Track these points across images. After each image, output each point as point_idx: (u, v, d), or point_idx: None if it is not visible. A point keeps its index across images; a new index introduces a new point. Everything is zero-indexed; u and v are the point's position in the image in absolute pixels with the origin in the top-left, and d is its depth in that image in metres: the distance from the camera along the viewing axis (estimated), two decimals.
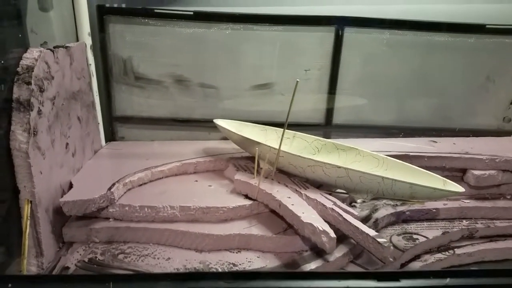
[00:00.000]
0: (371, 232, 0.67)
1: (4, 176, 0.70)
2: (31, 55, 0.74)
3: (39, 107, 0.73)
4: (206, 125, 1.13)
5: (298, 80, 0.69)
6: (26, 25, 0.88)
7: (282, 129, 1.00)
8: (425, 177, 0.82)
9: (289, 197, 0.78)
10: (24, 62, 0.73)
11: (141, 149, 1.07)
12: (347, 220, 0.70)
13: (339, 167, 0.77)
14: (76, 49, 0.91)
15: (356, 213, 0.75)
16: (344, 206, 0.76)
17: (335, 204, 0.76)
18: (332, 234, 0.66)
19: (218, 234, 0.78)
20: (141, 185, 0.91)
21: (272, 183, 0.85)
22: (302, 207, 0.75)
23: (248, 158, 1.00)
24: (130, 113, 1.11)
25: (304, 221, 0.70)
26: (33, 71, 0.72)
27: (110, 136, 1.12)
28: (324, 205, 0.75)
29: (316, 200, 0.77)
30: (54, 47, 0.83)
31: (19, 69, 0.72)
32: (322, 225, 0.68)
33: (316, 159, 0.80)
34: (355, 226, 0.68)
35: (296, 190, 0.81)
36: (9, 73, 0.71)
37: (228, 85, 1.09)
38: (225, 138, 1.06)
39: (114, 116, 1.11)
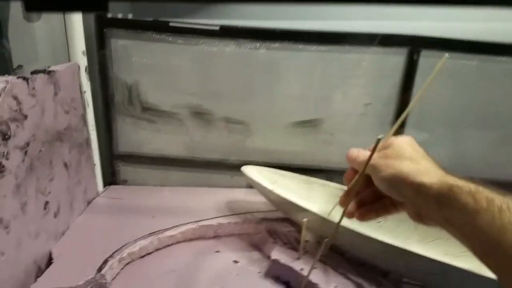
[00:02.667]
0: None
1: None
2: None
3: (0, 162, 0.52)
4: (228, 166, 0.91)
5: (380, 137, 0.46)
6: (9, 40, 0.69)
7: (331, 183, 0.78)
8: None
9: None
10: None
11: (147, 199, 0.85)
12: None
13: (432, 260, 0.54)
14: (64, 73, 0.70)
15: None
16: None
17: None
18: None
19: None
20: (143, 256, 0.70)
21: (325, 270, 0.62)
22: None
23: (286, 221, 0.77)
24: (135, 150, 0.90)
25: None
26: None
27: (111, 179, 0.91)
28: None
29: None
30: (32, 73, 0.62)
31: None
32: None
33: (395, 242, 0.57)
34: None
35: (362, 286, 0.58)
36: None
37: (261, 120, 0.87)
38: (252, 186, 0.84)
39: (116, 154, 0.90)
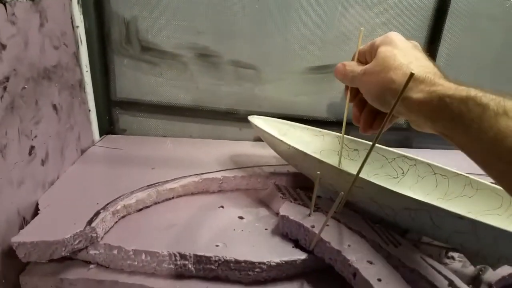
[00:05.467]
0: None
1: None
2: None
3: None
4: (236, 118, 0.84)
5: (413, 71, 0.38)
6: None
7: (345, 136, 0.71)
8: None
9: (371, 263, 0.49)
10: None
11: (147, 149, 0.79)
12: None
13: (462, 217, 0.47)
14: (53, 2, 0.63)
15: None
16: None
17: (451, 284, 0.47)
18: None
19: None
20: (140, 210, 0.64)
21: (339, 227, 0.56)
22: (396, 287, 0.45)
23: (297, 176, 0.71)
24: (135, 97, 0.83)
25: None
26: None
27: (108, 128, 0.85)
28: (433, 285, 0.46)
29: (419, 272, 0.48)
30: None
31: None
32: None
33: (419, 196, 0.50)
34: None
35: (380, 245, 0.52)
36: None
37: (273, 65, 0.79)
38: (260, 140, 0.77)
39: (114, 100, 0.83)
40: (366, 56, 0.51)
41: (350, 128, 0.75)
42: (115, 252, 0.55)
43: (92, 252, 0.55)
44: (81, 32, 0.72)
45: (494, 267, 0.52)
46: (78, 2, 0.70)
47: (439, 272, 0.48)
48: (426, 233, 0.55)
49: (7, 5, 0.51)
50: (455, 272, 0.57)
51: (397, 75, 0.42)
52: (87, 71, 0.75)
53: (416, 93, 0.40)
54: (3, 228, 0.53)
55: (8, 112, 0.52)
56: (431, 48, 0.76)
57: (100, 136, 0.83)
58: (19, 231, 0.53)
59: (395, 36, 0.47)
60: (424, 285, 0.47)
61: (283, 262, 0.54)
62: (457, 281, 0.47)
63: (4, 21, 0.51)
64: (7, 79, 0.51)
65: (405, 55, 0.44)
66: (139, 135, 0.86)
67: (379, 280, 0.46)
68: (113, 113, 0.84)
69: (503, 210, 0.59)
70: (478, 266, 0.57)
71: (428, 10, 0.73)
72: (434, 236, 0.54)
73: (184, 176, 0.69)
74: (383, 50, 0.45)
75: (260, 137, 0.72)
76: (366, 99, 0.48)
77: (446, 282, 0.47)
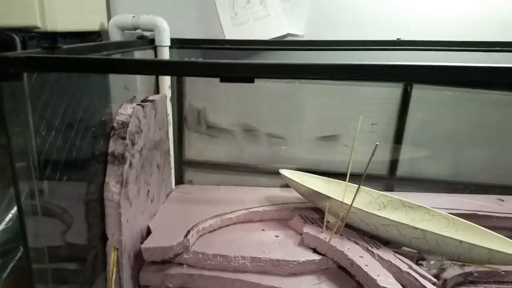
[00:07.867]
0: None
1: (96, 224, 0.74)
2: (125, 111, 0.79)
3: (130, 160, 0.77)
4: (268, 171, 1.14)
5: (377, 143, 0.69)
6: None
7: (346, 182, 1.01)
8: (498, 241, 0.80)
9: (362, 257, 0.77)
10: (120, 118, 0.78)
11: (208, 194, 1.09)
12: (425, 287, 0.69)
13: (416, 228, 0.76)
14: (159, 101, 0.96)
15: (434, 279, 0.73)
16: (420, 270, 0.75)
17: (410, 267, 0.74)
18: None
19: None
20: (211, 231, 0.93)
21: (342, 239, 0.84)
22: (377, 269, 0.73)
23: (313, 210, 1.00)
24: (199, 158, 1.15)
25: (381, 285, 0.69)
26: (127, 126, 0.76)
27: (179, 179, 1.16)
28: (399, 268, 0.74)
29: (390, 261, 0.76)
30: (143, 101, 0.88)
31: (115, 124, 0.77)
32: None
33: (390, 218, 0.79)
34: None
35: (368, 248, 0.80)
36: (106, 128, 0.76)
37: (294, 135, 1.11)
38: (285, 186, 1.07)
39: (184, 160, 1.15)
40: None
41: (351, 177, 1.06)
42: (200, 256, 0.83)
43: (185, 256, 0.84)
44: (170, 117, 1.06)
45: (440, 261, 0.80)
46: (169, 99, 1.04)
47: (403, 261, 0.76)
48: (395, 241, 0.83)
49: (143, 106, 0.84)
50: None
51: None
52: (171, 143, 1.08)
53: None
54: (134, 241, 0.82)
55: (141, 169, 0.84)
56: (402, 118, 1.08)
57: (175, 185, 1.14)
58: (141, 242, 0.83)
59: None
60: (394, 269, 0.75)
61: (307, 261, 0.82)
62: (413, 265, 0.75)
63: (142, 116, 0.83)
64: (141, 149, 0.83)
65: None
66: (200, 184, 1.17)
67: (366, 265, 0.74)
68: (183, 170, 1.16)
69: (449, 228, 0.87)
70: (432, 262, 0.84)
71: (397, 99, 1.06)
72: (401, 243, 0.82)
73: (237, 210, 0.98)
74: None
75: (287, 183, 1.02)
76: None
77: (407, 266, 0.75)
